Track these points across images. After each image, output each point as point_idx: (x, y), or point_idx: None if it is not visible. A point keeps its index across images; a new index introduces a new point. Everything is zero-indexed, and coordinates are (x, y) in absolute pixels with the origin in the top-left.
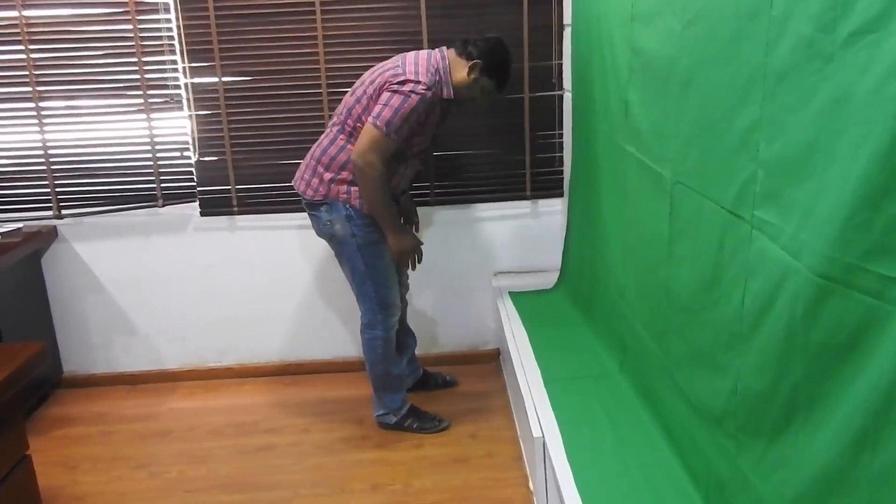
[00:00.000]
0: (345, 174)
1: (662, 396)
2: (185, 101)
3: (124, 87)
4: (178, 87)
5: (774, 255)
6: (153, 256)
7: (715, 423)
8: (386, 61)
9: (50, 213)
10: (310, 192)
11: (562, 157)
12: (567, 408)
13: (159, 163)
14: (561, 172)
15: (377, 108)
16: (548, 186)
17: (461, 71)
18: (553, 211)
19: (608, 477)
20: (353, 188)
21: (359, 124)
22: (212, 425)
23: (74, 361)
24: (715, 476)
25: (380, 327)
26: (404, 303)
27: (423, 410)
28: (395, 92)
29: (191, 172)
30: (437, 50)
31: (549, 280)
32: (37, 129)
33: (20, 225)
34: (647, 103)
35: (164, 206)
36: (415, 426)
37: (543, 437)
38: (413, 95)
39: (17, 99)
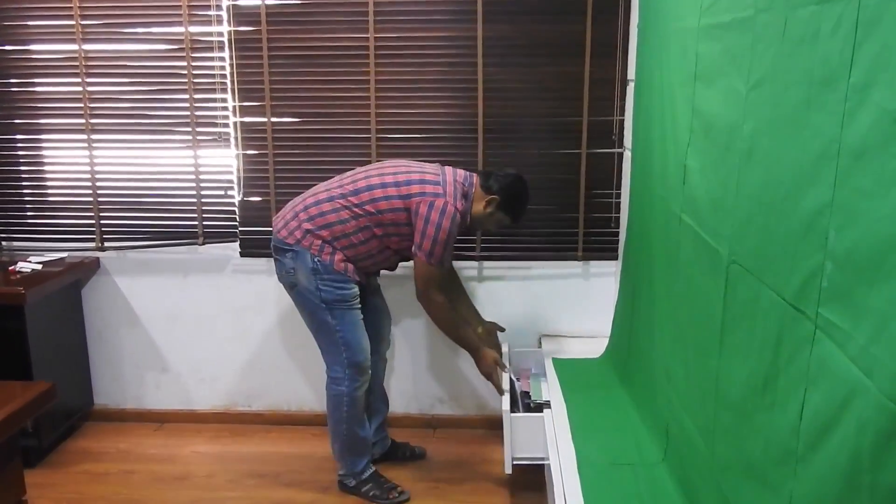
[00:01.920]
0: (325, 233)
1: (705, 500)
2: (232, 140)
3: (174, 122)
4: (226, 125)
5: (841, 366)
6: (190, 294)
7: None
8: (425, 165)
9: (93, 244)
10: (283, 233)
11: (618, 218)
12: (601, 500)
13: (203, 200)
14: (616, 234)
15: (426, 246)
16: (601, 248)
17: (479, 202)
18: (606, 273)
19: None
20: (326, 246)
21: (368, 206)
22: (232, 473)
23: (105, 394)
24: None
25: (346, 384)
26: (382, 363)
27: (385, 479)
28: (437, 223)
29: (233, 212)
30: (468, 174)
31: (598, 347)
32: (86, 160)
33: (64, 255)
34: (706, 171)
35: (204, 244)
36: (371, 494)
37: None
38: (452, 225)
39: (70, 130)
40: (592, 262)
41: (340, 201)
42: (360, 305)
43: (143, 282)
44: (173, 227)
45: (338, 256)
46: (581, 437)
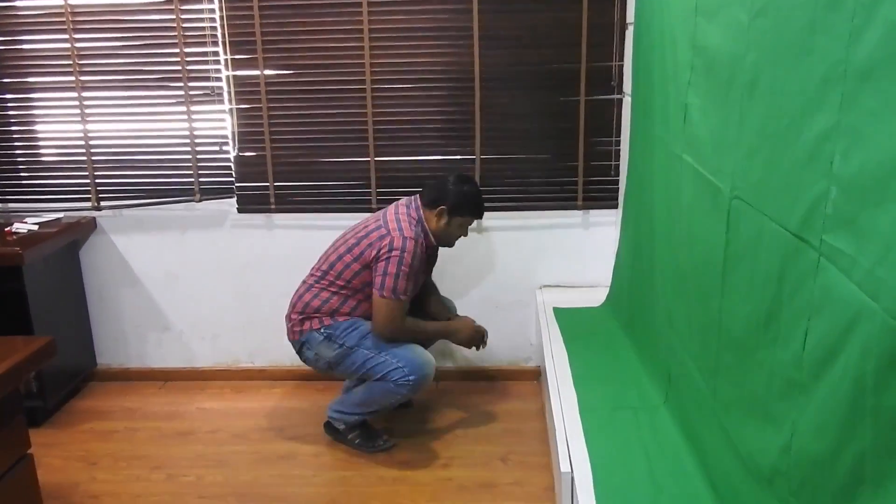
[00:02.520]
0: (316, 316)
1: (707, 441)
2: (226, 95)
3: (165, 78)
4: (219, 79)
5: (845, 292)
6: (189, 252)
7: (765, 482)
8: (368, 218)
9: (89, 204)
10: (291, 337)
11: (617, 166)
12: (602, 442)
13: (198, 157)
14: (616, 182)
15: (378, 280)
16: (601, 196)
17: (432, 219)
18: (606, 222)
19: None
20: (324, 318)
21: (338, 280)
22: (236, 429)
23: (109, 354)
24: None
25: (407, 389)
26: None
27: (374, 429)
28: (389, 258)
29: (229, 168)
30: (412, 199)
31: (598, 296)
32: (78, 119)
33: (60, 215)
34: (708, 108)
35: (201, 200)
36: (357, 442)
37: (572, 472)
38: (405, 254)
39: (60, 88)
40: (592, 211)
41: (316, 287)
42: None
43: (141, 240)
44: (169, 184)
45: (340, 317)
46: (583, 383)
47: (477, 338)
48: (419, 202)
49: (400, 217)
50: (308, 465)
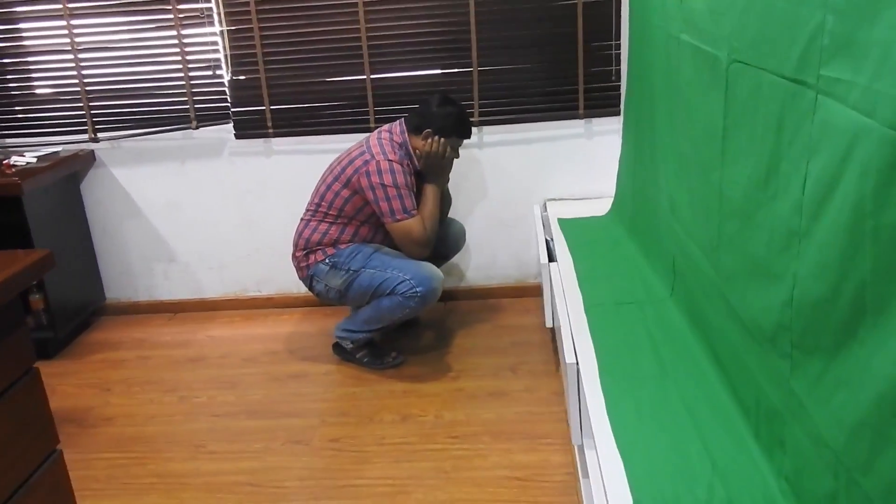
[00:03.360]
0: (319, 249)
1: (712, 319)
2: (216, 16)
3: (154, 0)
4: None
5: (843, 121)
6: (190, 181)
7: (768, 343)
8: (351, 147)
9: (86, 136)
10: (300, 274)
11: (618, 71)
12: (607, 334)
13: (192, 83)
14: (618, 88)
15: (384, 208)
16: (603, 104)
17: (418, 144)
18: (609, 130)
19: (645, 407)
20: (328, 248)
21: (331, 210)
22: (246, 353)
23: (117, 288)
24: (766, 405)
25: (415, 301)
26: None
27: (380, 347)
28: (382, 185)
29: (224, 93)
30: (394, 124)
31: (604, 207)
32: (69, 48)
33: (58, 149)
34: None
35: (198, 127)
36: (365, 360)
37: (577, 363)
38: (396, 175)
39: (48, 17)
40: (594, 120)
41: (314, 221)
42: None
43: (141, 171)
44: (165, 112)
45: (342, 245)
46: (588, 283)
47: (447, 156)
48: (404, 127)
49: (383, 141)
50: (318, 382)
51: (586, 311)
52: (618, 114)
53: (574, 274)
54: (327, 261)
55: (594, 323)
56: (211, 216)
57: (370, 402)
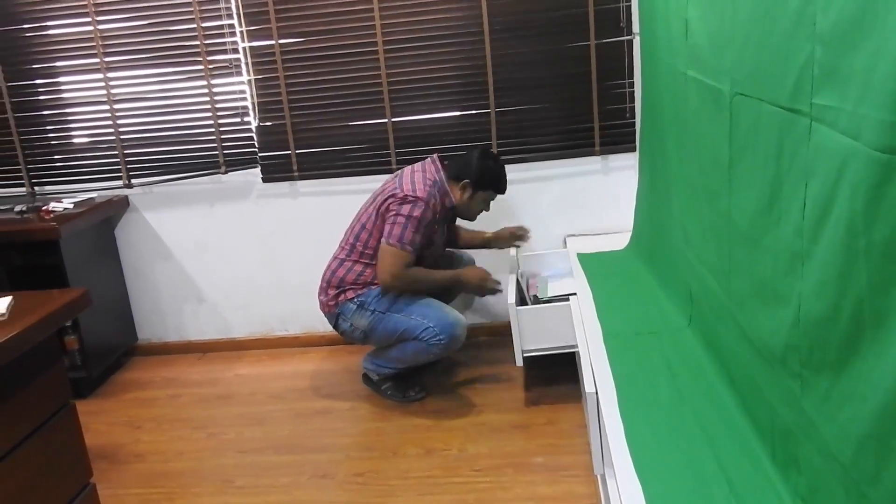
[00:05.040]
0: (350, 289)
1: (726, 344)
2: (243, 66)
3: (185, 53)
4: (236, 51)
5: (834, 144)
6: (218, 223)
7: (778, 364)
8: (385, 183)
9: (120, 182)
10: (325, 310)
11: (633, 108)
12: (626, 363)
13: (221, 129)
14: (632, 124)
15: (386, 229)
16: (618, 140)
17: (455, 192)
18: (626, 166)
19: (662, 432)
20: (349, 288)
21: (367, 250)
22: (273, 390)
23: (148, 329)
24: (780, 425)
25: (439, 348)
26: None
27: (405, 380)
28: (399, 211)
29: (252, 138)
30: (429, 161)
31: (624, 241)
32: (105, 100)
33: (94, 195)
34: (706, 15)
35: (226, 172)
36: (389, 393)
37: (597, 392)
38: (416, 210)
39: (86, 70)
40: (611, 157)
41: (348, 261)
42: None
43: (172, 215)
44: (195, 158)
45: (373, 287)
46: (606, 314)
47: (486, 284)
48: (439, 165)
49: (415, 179)
50: (344, 418)
51: (605, 340)
52: (633, 149)
53: (593, 305)
54: (356, 300)
55: (613, 352)
56: (238, 257)
57: (394, 436)
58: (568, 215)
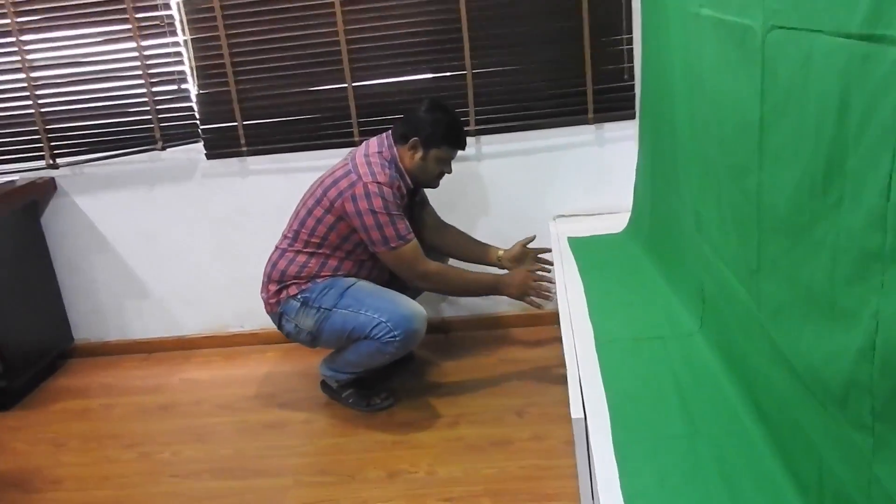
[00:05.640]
0: (293, 284)
1: (753, 363)
2: (178, 24)
3: (110, 10)
4: (168, 6)
5: None
6: (160, 208)
7: (835, 405)
8: (335, 165)
9: (43, 162)
10: (268, 309)
11: (632, 69)
12: (623, 379)
13: (156, 98)
14: (631, 88)
15: (374, 237)
16: (615, 106)
17: (406, 157)
18: (623, 137)
19: (670, 476)
20: (293, 283)
21: (313, 238)
22: (222, 398)
23: (86, 329)
24: (833, 484)
25: (395, 346)
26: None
27: (369, 386)
28: (371, 211)
29: (191, 108)
30: (383, 136)
31: (620, 224)
32: (20, 68)
33: (14, 177)
34: None
35: (164, 148)
36: (350, 400)
37: (585, 418)
38: (384, 200)
39: None
40: (606, 126)
41: (291, 251)
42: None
43: (107, 199)
44: (128, 133)
45: (320, 280)
46: (600, 314)
47: (533, 287)
48: (391, 140)
49: (370, 158)
50: (297, 433)
51: (598, 348)
52: (632, 117)
53: (584, 302)
54: (299, 297)
55: (607, 364)
56: (185, 246)
57: (354, 455)
58: (557, 193)
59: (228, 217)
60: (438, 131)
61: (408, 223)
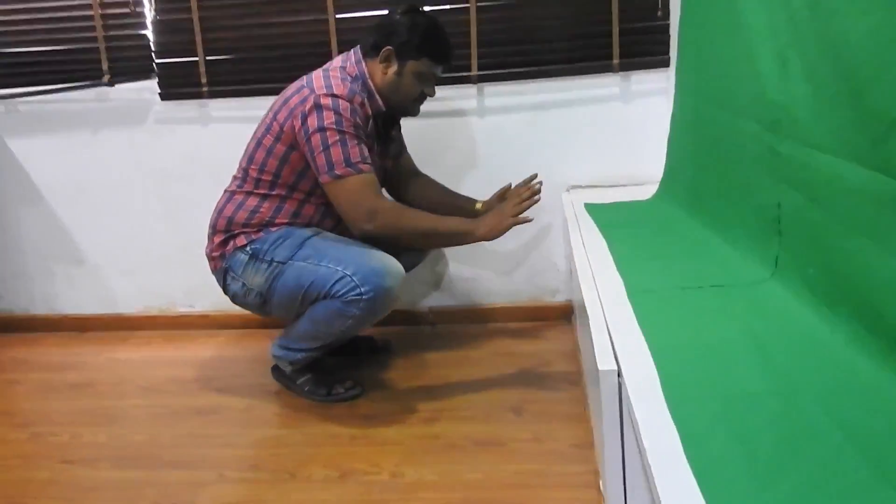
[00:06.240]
0: (242, 234)
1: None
2: None
3: None
4: None
5: None
6: (104, 157)
7: None
8: (288, 87)
9: None
10: (212, 266)
11: (667, 4)
12: (670, 330)
13: (105, 23)
14: (666, 29)
15: (320, 162)
16: (646, 50)
17: (377, 72)
18: (653, 90)
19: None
20: (241, 232)
21: (263, 175)
22: (148, 380)
23: (8, 298)
24: None
25: (369, 286)
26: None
27: (330, 372)
28: (318, 127)
29: (146, 38)
30: (349, 53)
31: (645, 193)
32: None
33: None
34: None
35: (113, 83)
36: (305, 389)
37: (619, 368)
38: (340, 114)
39: None
40: (634, 75)
41: (240, 193)
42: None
43: (42, 143)
44: (71, 63)
45: (273, 228)
46: (630, 267)
47: (508, 222)
48: (360, 55)
49: (330, 73)
50: (231, 422)
51: (630, 298)
52: (666, 64)
53: (609, 257)
54: (248, 248)
55: (645, 314)
56: (128, 203)
57: (298, 449)
58: (571, 157)
59: (182, 171)
60: (416, 38)
61: (367, 153)
